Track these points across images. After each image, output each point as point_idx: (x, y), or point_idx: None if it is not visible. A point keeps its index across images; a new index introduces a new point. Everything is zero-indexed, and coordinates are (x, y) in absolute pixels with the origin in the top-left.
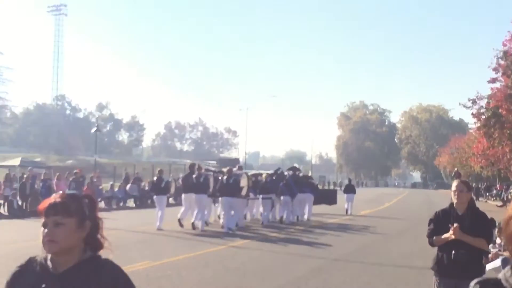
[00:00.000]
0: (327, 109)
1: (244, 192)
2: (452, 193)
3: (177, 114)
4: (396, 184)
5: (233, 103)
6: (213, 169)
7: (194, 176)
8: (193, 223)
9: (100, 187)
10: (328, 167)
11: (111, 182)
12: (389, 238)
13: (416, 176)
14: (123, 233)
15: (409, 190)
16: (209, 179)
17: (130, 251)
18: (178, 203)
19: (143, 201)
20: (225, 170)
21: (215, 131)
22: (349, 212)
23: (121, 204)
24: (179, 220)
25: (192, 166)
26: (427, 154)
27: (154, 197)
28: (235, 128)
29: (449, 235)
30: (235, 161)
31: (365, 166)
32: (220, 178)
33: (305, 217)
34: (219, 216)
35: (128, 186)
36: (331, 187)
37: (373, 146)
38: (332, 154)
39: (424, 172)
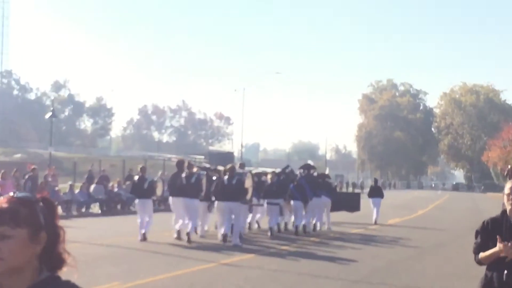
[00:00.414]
0: (346, 90)
1: (249, 195)
2: (505, 197)
3: (155, 95)
4: (433, 185)
5: (226, 83)
6: (207, 166)
7: (183, 176)
8: (188, 235)
9: (57, 188)
10: (346, 163)
11: (71, 182)
12: (423, 253)
13: (459, 175)
14: (86, 247)
15: (450, 194)
16: (202, 179)
17: (95, 270)
18: (165, 208)
19: (111, 206)
20: (222, 168)
21: (202, 118)
22: (375, 220)
23: (83, 209)
24: (178, 232)
25: (180, 163)
26: (473, 147)
27: (136, 201)
28: (229, 113)
29: (499, 249)
30: (228, 155)
31: (393, 163)
32: (215, 178)
33: (324, 226)
34: (215, 227)
35: (92, 187)
36: (350, 189)
37: (404, 137)
38: (352, 147)
39: (468, 170)
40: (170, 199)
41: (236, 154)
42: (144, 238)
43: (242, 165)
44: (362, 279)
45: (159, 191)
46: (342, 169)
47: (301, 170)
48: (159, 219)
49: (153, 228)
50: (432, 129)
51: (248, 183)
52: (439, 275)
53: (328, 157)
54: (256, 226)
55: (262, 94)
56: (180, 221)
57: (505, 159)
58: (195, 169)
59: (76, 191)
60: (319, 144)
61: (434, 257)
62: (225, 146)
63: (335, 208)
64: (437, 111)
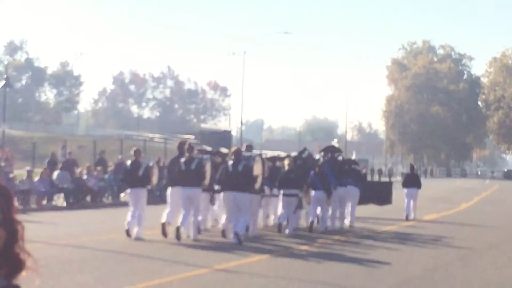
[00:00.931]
0: (371, 54)
1: (258, 184)
2: None
3: (134, 60)
4: (479, 173)
5: (222, 45)
6: (209, 149)
7: (182, 160)
8: (177, 229)
9: (11, 175)
10: (371, 145)
11: (29, 168)
12: (467, 258)
13: None
14: (48, 248)
15: (501, 183)
16: (205, 165)
17: (60, 277)
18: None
19: (79, 197)
20: (226, 151)
21: (193, 88)
22: (411, 216)
23: (45, 202)
24: (162, 225)
25: (181, 146)
26: None
27: (128, 190)
28: (225, 83)
29: None
30: (225, 135)
31: (430, 145)
32: (221, 163)
33: (346, 222)
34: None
35: (55, 174)
36: (375, 177)
37: (443, 113)
38: (379, 126)
39: None
40: (169, 189)
41: (234, 133)
42: (129, 234)
43: (249, 147)
44: None
45: (154, 179)
46: (366, 152)
47: (323, 154)
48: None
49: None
50: (479, 103)
51: (257, 169)
52: (486, 285)
53: (349, 137)
54: (265, 222)
55: (267, 59)
56: (168, 210)
57: None
58: (195, 152)
59: (36, 178)
60: (338, 121)
61: (481, 262)
62: (220, 124)
63: (362, 200)
64: (485, 80)
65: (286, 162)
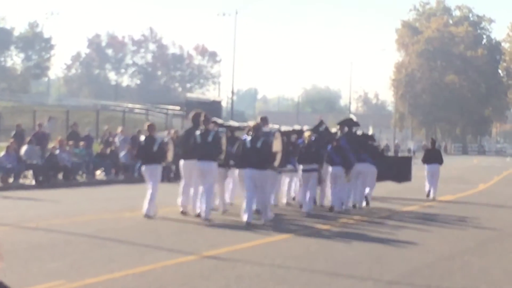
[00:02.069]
0: (379, 15)
1: (278, 161)
2: None
3: (111, 21)
4: (500, 149)
5: (210, 5)
6: (220, 121)
7: (198, 133)
8: (199, 215)
9: None
10: (379, 118)
11: None
12: (485, 245)
13: None
14: (16, 232)
15: None
16: (221, 138)
17: (30, 264)
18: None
19: (50, 174)
20: (244, 124)
21: (178, 53)
22: (431, 194)
23: (11, 179)
24: (182, 213)
25: (196, 117)
26: None
27: (143, 167)
28: (214, 47)
29: None
30: (214, 106)
31: (445, 118)
32: (238, 138)
33: (363, 203)
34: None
35: (23, 149)
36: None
37: (459, 82)
38: (387, 96)
39: None
40: (182, 162)
41: (224, 104)
42: (149, 216)
43: (265, 120)
44: (400, 279)
45: (170, 156)
46: (372, 126)
47: (340, 127)
48: (131, 192)
49: (114, 205)
50: (499, 71)
51: (277, 145)
52: (507, 275)
53: (353, 109)
54: (284, 200)
55: (262, 21)
56: (182, 185)
57: None
58: (211, 126)
59: (1, 153)
60: (341, 91)
61: (501, 250)
62: (209, 93)
63: (379, 177)
64: (506, 46)
65: (306, 135)
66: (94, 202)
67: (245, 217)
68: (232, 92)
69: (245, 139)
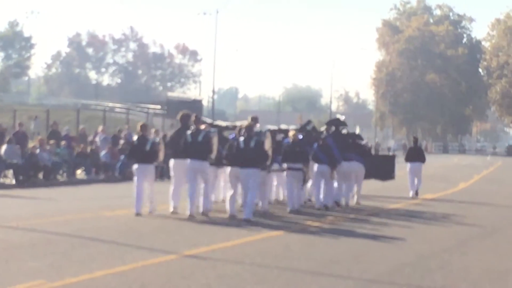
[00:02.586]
0: (359, 14)
1: (269, 160)
2: None
3: (92, 21)
4: (480, 148)
5: (191, 4)
6: (209, 121)
7: (188, 133)
8: (190, 217)
9: None
10: (359, 117)
11: None
12: (466, 243)
13: None
14: None
15: (504, 160)
16: (212, 138)
17: (9, 264)
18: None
19: (31, 174)
20: (233, 124)
21: (159, 52)
22: (414, 192)
23: None
24: (173, 214)
25: (185, 117)
26: None
27: (135, 166)
28: (195, 46)
29: None
30: (195, 105)
31: (425, 117)
32: (229, 137)
33: (353, 199)
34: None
35: (2, 149)
36: None
37: (440, 81)
38: (368, 95)
39: None
40: (172, 162)
41: (205, 103)
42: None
43: (255, 120)
44: (380, 278)
45: (161, 155)
46: (353, 125)
47: (327, 127)
48: (112, 191)
49: (95, 204)
50: (480, 70)
51: (268, 144)
52: (488, 273)
53: (334, 108)
54: (276, 197)
55: (243, 20)
56: (172, 187)
57: None
58: (203, 126)
59: None
60: (322, 90)
61: (481, 249)
62: (190, 92)
63: (364, 175)
64: (486, 45)
65: (290, 134)
66: (74, 202)
67: (245, 216)
68: (213, 91)
69: (233, 138)
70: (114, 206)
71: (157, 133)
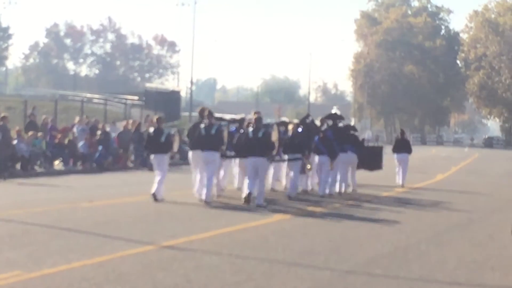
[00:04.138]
0: (338, 6)
1: (276, 150)
2: None
3: (70, 11)
4: (457, 140)
5: None
6: (218, 115)
7: (202, 126)
8: (206, 203)
9: None
10: (338, 108)
11: None
12: (443, 234)
13: (494, 126)
14: None
15: (481, 151)
16: (223, 131)
17: None
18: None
19: (8, 165)
20: (249, 116)
21: (137, 43)
22: (401, 182)
23: None
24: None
25: (202, 111)
26: None
27: (152, 156)
28: (173, 37)
29: None
30: (173, 96)
31: (403, 109)
32: (236, 130)
33: (349, 187)
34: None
35: None
36: None
37: (418, 73)
38: (346, 87)
39: (507, 119)
40: (190, 153)
41: (183, 94)
42: (156, 198)
43: (258, 114)
44: (357, 268)
45: (175, 146)
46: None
47: (324, 121)
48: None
49: (72, 195)
50: (458, 62)
51: (274, 136)
52: (464, 264)
53: (312, 99)
54: (273, 186)
55: (221, 10)
56: (196, 176)
57: None
58: (213, 120)
59: None
60: (300, 81)
61: (457, 240)
62: (168, 83)
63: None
64: (464, 36)
65: (290, 127)
66: (52, 192)
67: (244, 194)
68: (191, 82)
69: (234, 131)
70: (91, 197)
71: (134, 124)
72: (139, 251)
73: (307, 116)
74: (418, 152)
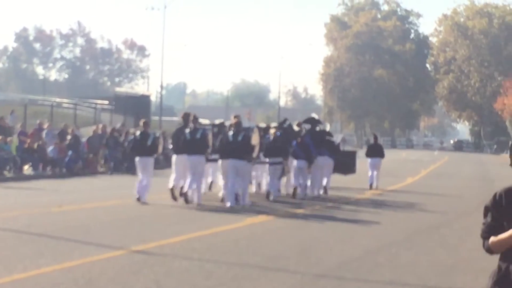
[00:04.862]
0: (307, 10)
1: (255, 153)
2: None
3: (39, 15)
4: (427, 143)
5: None
6: (201, 120)
7: (187, 131)
8: (185, 194)
9: None
10: (307, 112)
11: None
12: (413, 238)
13: (463, 130)
14: None
15: (451, 155)
16: (208, 135)
17: None
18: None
19: None
20: (229, 122)
21: (106, 47)
22: (374, 185)
23: None
24: (171, 190)
25: (186, 116)
26: (483, 91)
27: (137, 159)
28: (143, 42)
29: None
30: (143, 100)
31: (373, 112)
32: (217, 133)
33: (321, 191)
34: (210, 187)
35: None
36: None
37: (388, 77)
38: (316, 90)
39: (476, 123)
40: (174, 157)
41: (153, 98)
42: (140, 200)
43: (238, 117)
44: (328, 272)
45: (160, 149)
46: (301, 119)
47: (302, 125)
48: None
49: (42, 200)
50: (427, 65)
51: (255, 139)
52: (435, 267)
53: (282, 103)
54: (257, 189)
55: (190, 15)
56: (173, 176)
57: None
58: (197, 124)
59: None
60: (270, 85)
61: (428, 243)
62: (138, 87)
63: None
64: (434, 40)
65: (271, 132)
66: (21, 197)
67: (228, 204)
68: (161, 87)
69: (227, 134)
70: (61, 202)
71: (104, 129)
72: (109, 256)
73: (284, 121)
74: (389, 156)
